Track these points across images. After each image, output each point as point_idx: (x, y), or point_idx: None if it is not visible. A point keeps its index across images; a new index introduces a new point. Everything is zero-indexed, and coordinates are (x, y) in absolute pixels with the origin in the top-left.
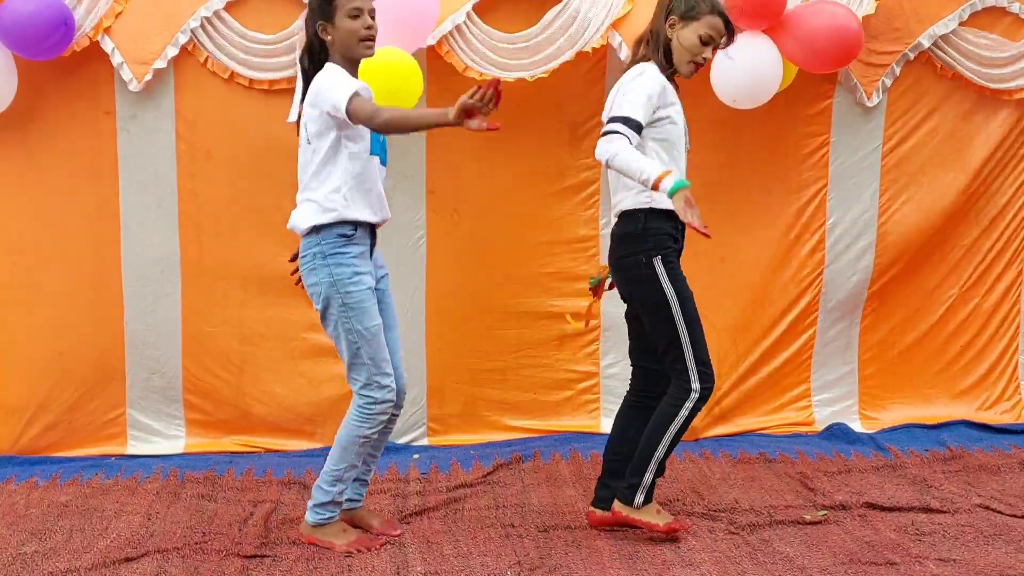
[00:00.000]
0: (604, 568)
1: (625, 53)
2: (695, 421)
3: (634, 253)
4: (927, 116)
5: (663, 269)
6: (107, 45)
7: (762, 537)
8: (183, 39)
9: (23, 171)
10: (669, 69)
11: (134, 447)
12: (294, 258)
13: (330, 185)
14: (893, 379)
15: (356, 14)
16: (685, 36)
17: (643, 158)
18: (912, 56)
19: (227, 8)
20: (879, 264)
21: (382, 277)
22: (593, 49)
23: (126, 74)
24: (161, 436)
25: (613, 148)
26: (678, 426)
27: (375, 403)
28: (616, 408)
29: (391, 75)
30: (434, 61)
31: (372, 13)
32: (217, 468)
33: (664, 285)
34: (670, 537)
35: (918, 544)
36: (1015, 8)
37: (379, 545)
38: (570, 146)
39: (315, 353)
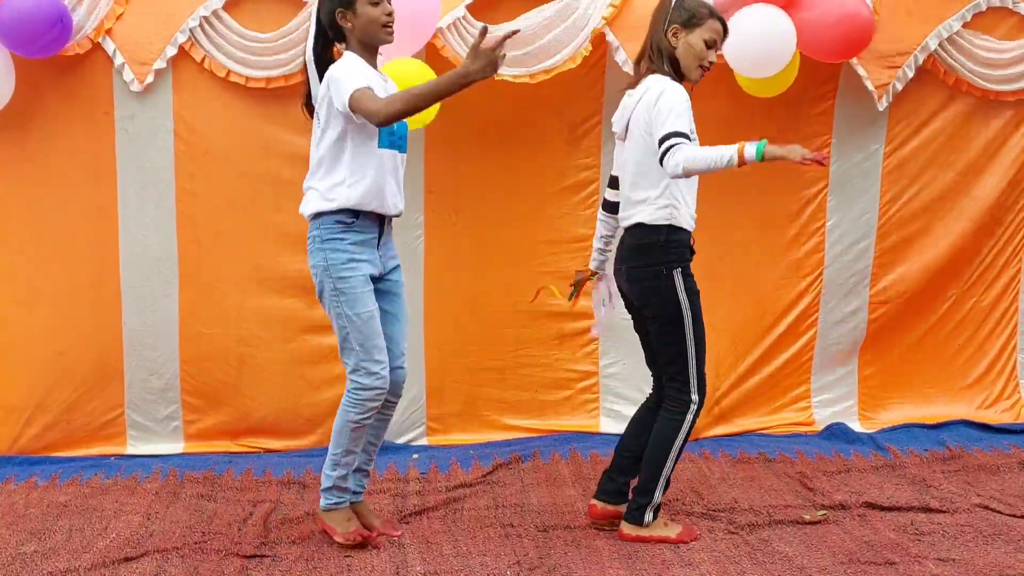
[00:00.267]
0: (603, 568)
1: (623, 56)
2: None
3: (654, 264)
4: (929, 118)
5: (681, 281)
6: (109, 46)
7: (761, 537)
8: (182, 39)
9: (21, 171)
10: (677, 79)
11: (133, 448)
12: None
13: (334, 177)
14: (893, 380)
15: (377, 0)
16: (691, 43)
17: (710, 148)
18: (921, 59)
19: (225, 8)
20: (879, 265)
21: (393, 269)
22: (593, 39)
23: (128, 75)
24: (159, 437)
25: (680, 157)
26: (681, 439)
27: (362, 389)
28: (615, 408)
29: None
30: (433, 58)
31: None
32: (216, 468)
33: (680, 298)
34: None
35: (917, 544)
36: (1021, 8)
37: (375, 538)
38: (569, 146)
39: (314, 354)
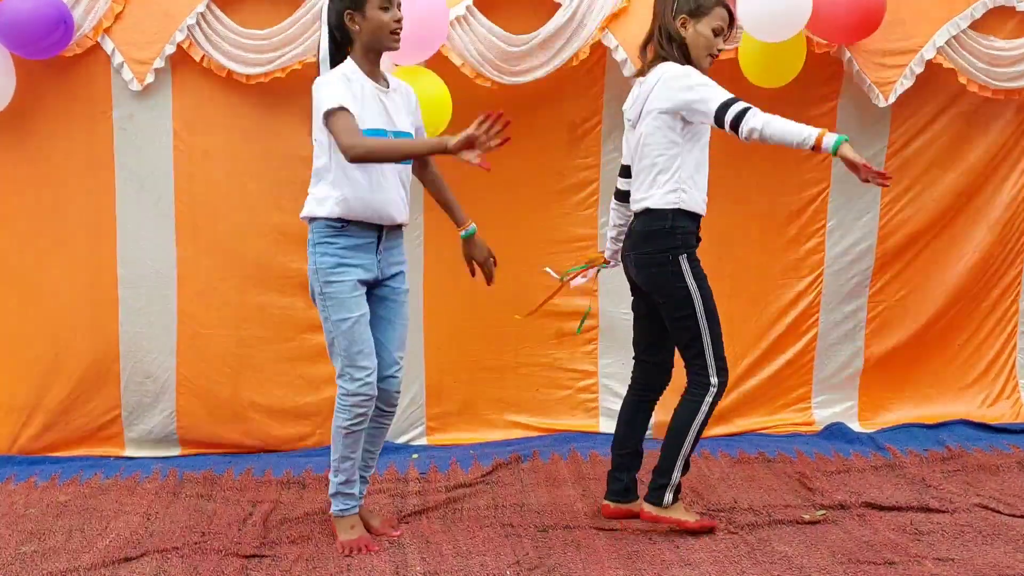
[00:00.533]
0: (603, 568)
1: (622, 55)
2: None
3: (661, 251)
4: (932, 120)
5: (688, 266)
6: (108, 45)
7: (761, 537)
8: (180, 37)
9: (20, 171)
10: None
11: (130, 451)
12: None
13: (324, 184)
14: (894, 380)
15: (387, 6)
16: (700, 32)
17: (789, 121)
18: (928, 57)
19: (223, 7)
20: (880, 266)
21: (395, 275)
22: (591, 47)
23: (127, 74)
24: (157, 437)
25: (758, 121)
26: (700, 421)
27: (347, 394)
28: (615, 408)
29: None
30: (434, 61)
31: (399, 5)
32: (216, 468)
33: (689, 282)
34: (703, 532)
35: (917, 544)
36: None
37: (375, 548)
38: (569, 146)
39: (313, 353)
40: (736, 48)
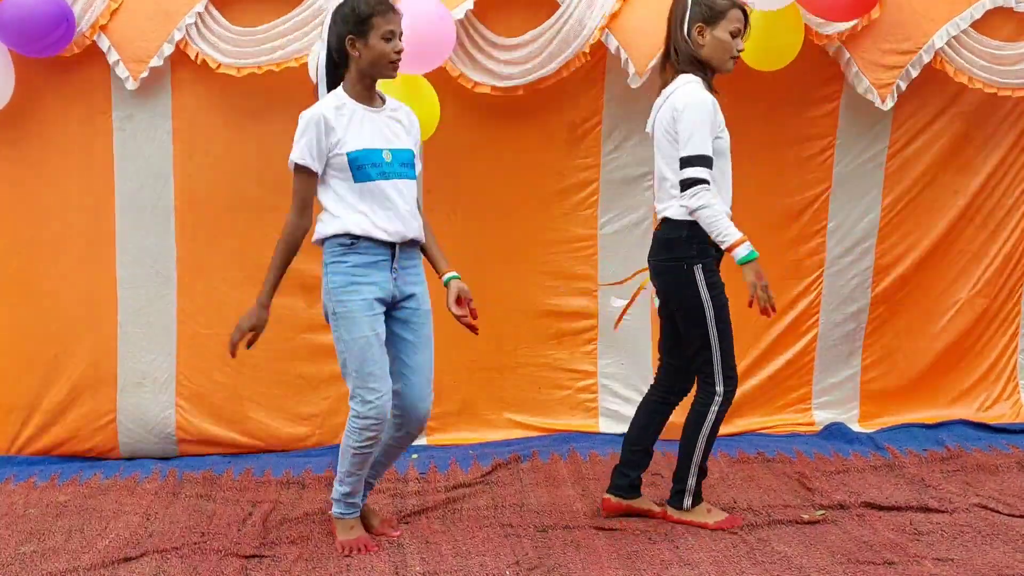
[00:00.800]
0: (602, 568)
1: (624, 57)
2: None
3: (676, 259)
4: (933, 120)
5: (702, 276)
6: (103, 43)
7: (760, 537)
8: (179, 36)
9: (18, 171)
10: (705, 76)
11: (127, 450)
12: None
13: (327, 204)
14: (895, 382)
15: (389, 37)
16: (718, 37)
17: (724, 220)
18: (927, 58)
19: (219, 6)
20: (880, 267)
21: (410, 296)
22: (591, 47)
23: (122, 72)
24: (155, 439)
25: (702, 201)
26: (709, 428)
27: (357, 417)
28: (614, 408)
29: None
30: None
31: (401, 35)
32: (215, 468)
33: (701, 291)
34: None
35: (916, 544)
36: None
37: (374, 548)
38: (568, 146)
39: (313, 353)
40: None
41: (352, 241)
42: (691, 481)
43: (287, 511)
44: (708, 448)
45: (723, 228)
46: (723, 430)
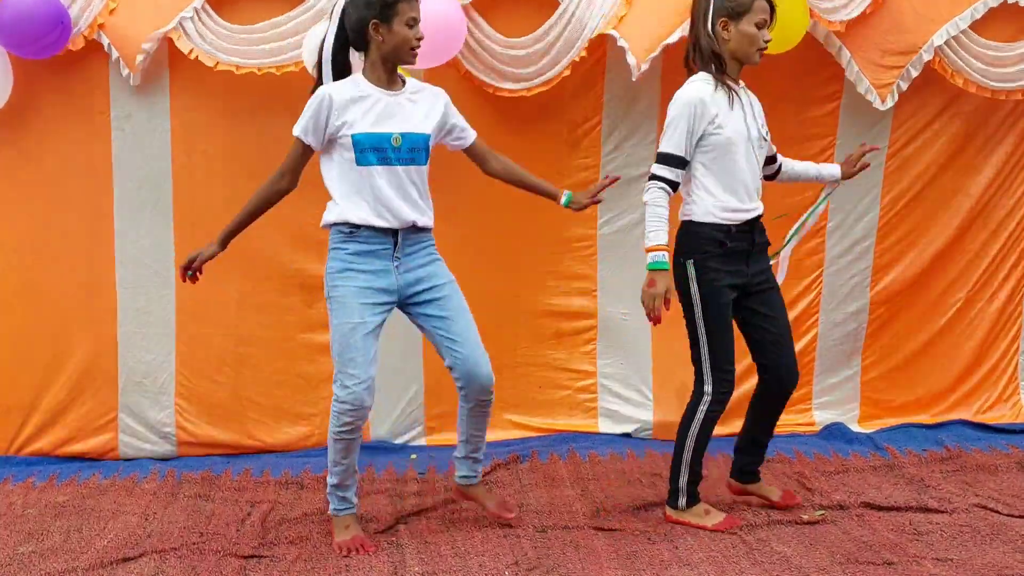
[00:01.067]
0: (602, 568)
1: (632, 59)
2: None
3: (676, 255)
4: (933, 120)
5: (694, 272)
6: (104, 40)
7: (759, 537)
8: (172, 25)
9: (17, 171)
10: (722, 73)
11: (126, 452)
12: None
13: (331, 190)
14: (896, 384)
15: (412, 23)
16: (744, 31)
17: (658, 222)
18: (927, 58)
19: (216, 6)
20: (879, 267)
21: (422, 278)
22: (590, 43)
23: (122, 69)
24: (154, 439)
25: (647, 197)
26: (697, 428)
27: (337, 400)
28: (613, 408)
29: None
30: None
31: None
32: (214, 468)
33: (691, 287)
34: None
35: (915, 544)
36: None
37: (372, 549)
38: (569, 146)
39: (313, 353)
40: None
41: (352, 229)
42: (681, 480)
43: (286, 511)
44: (698, 448)
45: (651, 228)
46: (723, 430)
